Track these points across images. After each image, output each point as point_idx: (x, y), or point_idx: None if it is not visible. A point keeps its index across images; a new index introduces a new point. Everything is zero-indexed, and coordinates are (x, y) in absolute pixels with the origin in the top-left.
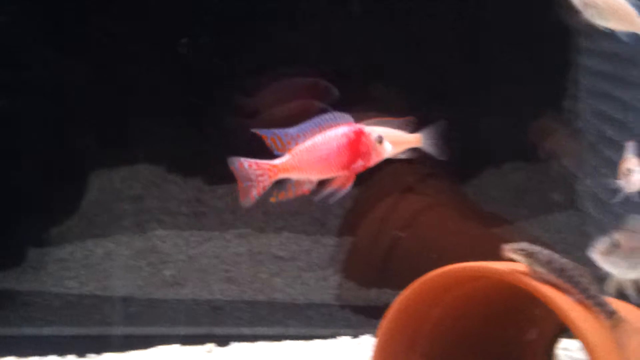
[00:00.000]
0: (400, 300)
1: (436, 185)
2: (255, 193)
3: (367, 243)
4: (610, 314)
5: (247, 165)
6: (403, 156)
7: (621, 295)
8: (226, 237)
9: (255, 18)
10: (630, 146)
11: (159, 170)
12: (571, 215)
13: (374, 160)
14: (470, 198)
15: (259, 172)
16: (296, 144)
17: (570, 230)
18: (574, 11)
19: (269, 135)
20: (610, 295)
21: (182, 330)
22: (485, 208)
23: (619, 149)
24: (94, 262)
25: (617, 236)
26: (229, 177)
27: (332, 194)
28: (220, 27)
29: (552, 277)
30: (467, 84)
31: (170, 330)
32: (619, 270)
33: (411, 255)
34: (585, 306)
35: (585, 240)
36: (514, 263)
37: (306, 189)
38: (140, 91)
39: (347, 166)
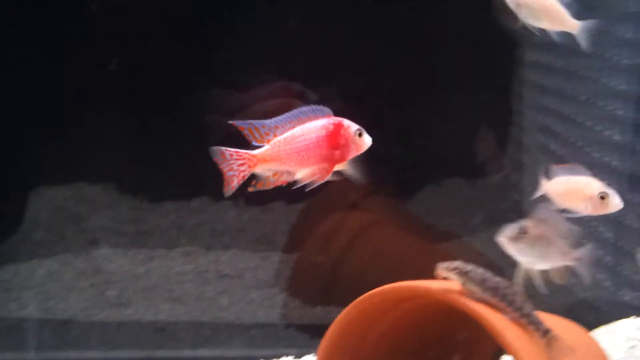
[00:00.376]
0: (339, 320)
1: (380, 202)
2: (235, 182)
3: (312, 260)
4: (545, 333)
5: (228, 154)
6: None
7: (530, 286)
8: (172, 255)
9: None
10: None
11: (102, 189)
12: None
13: (352, 153)
14: (414, 214)
15: (239, 161)
16: (274, 135)
17: None
18: (508, 12)
19: (245, 126)
20: (520, 285)
21: (125, 354)
22: (430, 223)
23: (561, 163)
24: (35, 283)
25: (526, 223)
26: (173, 195)
27: (309, 185)
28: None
29: (486, 296)
30: (408, 99)
31: (111, 354)
32: (526, 259)
33: (357, 272)
34: (520, 325)
35: None
36: (449, 282)
37: (285, 179)
38: (84, 108)
39: (325, 158)
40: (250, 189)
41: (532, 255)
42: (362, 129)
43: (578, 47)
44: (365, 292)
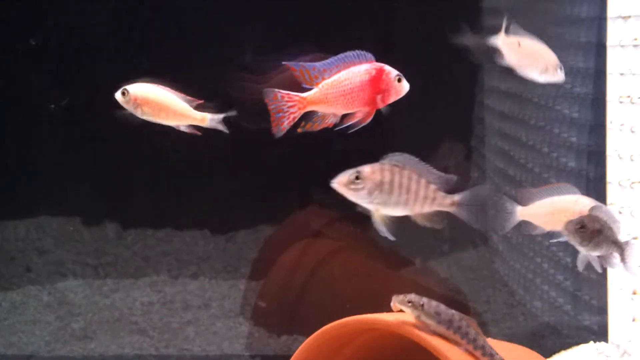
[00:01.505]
0: (299, 353)
1: (343, 229)
2: (286, 123)
3: (277, 289)
4: None
5: (280, 96)
6: None
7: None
8: (137, 285)
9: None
10: None
11: (66, 221)
12: (482, 253)
13: (392, 97)
14: (379, 241)
15: (290, 103)
16: (322, 78)
17: (481, 267)
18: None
19: (297, 67)
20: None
21: None
22: (393, 249)
23: (525, 171)
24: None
25: (361, 168)
26: (138, 225)
27: (352, 126)
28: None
29: (441, 328)
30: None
31: None
32: (366, 202)
33: (321, 301)
34: (474, 356)
35: (496, 276)
36: (405, 314)
37: (330, 122)
38: (45, 140)
39: (368, 102)
40: (299, 130)
41: (367, 199)
42: (401, 75)
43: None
44: (329, 321)
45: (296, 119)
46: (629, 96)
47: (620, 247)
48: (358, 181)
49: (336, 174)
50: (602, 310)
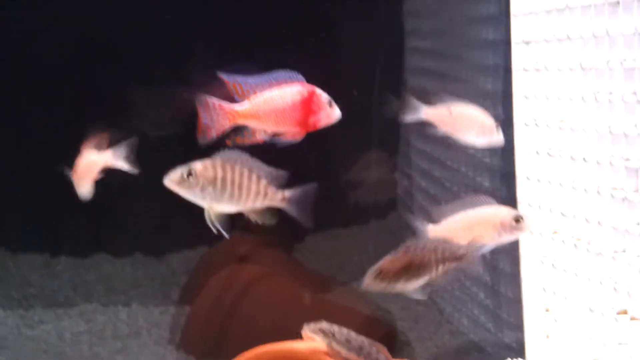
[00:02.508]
0: None
1: (269, 254)
2: (213, 133)
3: (205, 315)
4: None
5: (211, 104)
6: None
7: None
8: (69, 314)
9: None
10: None
11: None
12: None
13: (323, 121)
14: (304, 265)
15: (221, 113)
16: (254, 93)
17: None
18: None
19: (231, 80)
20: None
21: None
22: (318, 272)
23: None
24: None
25: (193, 164)
26: (67, 253)
27: (281, 142)
28: None
29: (352, 355)
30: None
31: None
32: (199, 199)
33: (247, 326)
34: None
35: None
36: (318, 342)
37: (260, 138)
38: None
39: (299, 122)
40: (228, 142)
41: (201, 196)
42: (332, 100)
43: None
44: (253, 346)
45: (225, 132)
46: (534, 119)
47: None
48: (190, 178)
49: None
50: (519, 327)
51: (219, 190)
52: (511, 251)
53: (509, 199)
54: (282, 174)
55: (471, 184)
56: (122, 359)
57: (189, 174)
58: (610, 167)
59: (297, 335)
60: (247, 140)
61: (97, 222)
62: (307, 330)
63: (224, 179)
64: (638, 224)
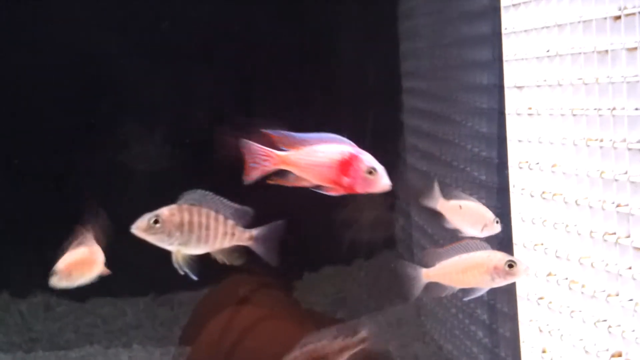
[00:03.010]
0: None
1: (269, 295)
2: (256, 174)
3: (204, 356)
4: None
5: (258, 149)
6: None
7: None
8: (70, 357)
9: None
10: None
11: None
12: (407, 308)
13: (361, 187)
14: (302, 305)
15: (264, 156)
16: (300, 147)
17: (408, 321)
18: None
19: (277, 133)
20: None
21: None
22: (317, 312)
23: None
24: None
25: (159, 211)
26: (65, 297)
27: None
28: None
29: None
30: None
31: None
32: (167, 245)
33: None
34: None
35: (422, 330)
36: None
37: (302, 184)
38: None
39: (335, 181)
40: (269, 182)
41: (168, 242)
42: (377, 169)
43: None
44: None
45: (267, 173)
46: (526, 162)
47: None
48: (157, 225)
49: None
50: None
51: (186, 234)
52: (508, 291)
53: (506, 240)
54: (247, 210)
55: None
56: None
57: (155, 221)
58: (602, 212)
59: None
60: (289, 183)
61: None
62: None
63: (190, 223)
64: (630, 268)
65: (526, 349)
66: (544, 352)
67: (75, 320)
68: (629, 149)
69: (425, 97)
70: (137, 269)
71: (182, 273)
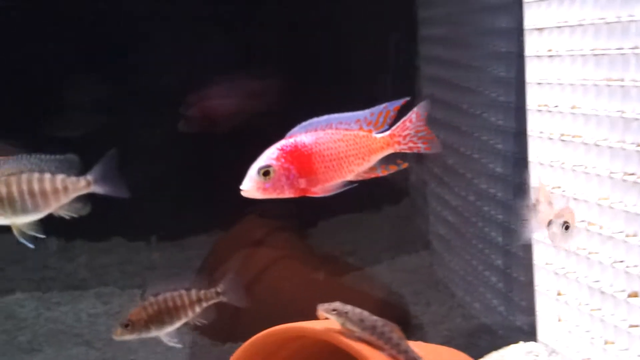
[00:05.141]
0: None
1: (285, 238)
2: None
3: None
4: None
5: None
6: None
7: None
8: (84, 296)
9: None
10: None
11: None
12: (422, 256)
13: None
14: (318, 248)
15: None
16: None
17: (421, 270)
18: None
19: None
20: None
21: None
22: (333, 256)
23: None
24: None
25: None
26: (82, 237)
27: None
28: None
29: (365, 334)
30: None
31: None
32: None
33: (263, 309)
34: None
35: (436, 279)
36: (332, 322)
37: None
38: None
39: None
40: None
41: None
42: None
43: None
44: (266, 328)
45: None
46: (545, 105)
47: None
48: None
49: None
50: (531, 311)
51: (9, 207)
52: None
53: (522, 184)
54: (73, 158)
55: (483, 170)
56: (138, 341)
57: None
58: (622, 152)
59: (310, 319)
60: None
61: (112, 207)
62: (321, 310)
63: (10, 195)
64: None
65: (541, 293)
66: (559, 294)
67: (91, 260)
68: None
69: (443, 43)
70: (152, 214)
71: (25, 243)
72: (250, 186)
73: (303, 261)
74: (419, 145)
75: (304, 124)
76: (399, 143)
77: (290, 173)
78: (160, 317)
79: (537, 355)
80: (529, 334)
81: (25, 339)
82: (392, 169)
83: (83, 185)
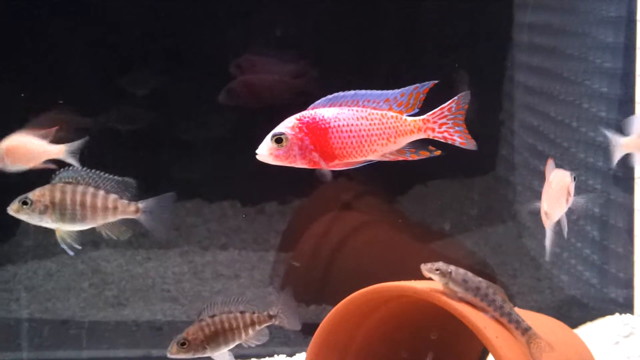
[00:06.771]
0: (328, 319)
1: (372, 202)
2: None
3: (306, 259)
4: (525, 330)
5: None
6: None
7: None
8: (169, 255)
9: None
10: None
11: None
12: (509, 227)
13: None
14: (406, 213)
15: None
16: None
17: (508, 241)
18: None
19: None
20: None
21: (122, 353)
22: (421, 222)
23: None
24: (35, 284)
25: (30, 193)
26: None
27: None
28: None
29: (468, 296)
30: None
31: (109, 353)
32: (43, 223)
33: (349, 272)
34: (500, 323)
35: (523, 251)
36: (433, 282)
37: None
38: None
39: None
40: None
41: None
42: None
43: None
44: (356, 291)
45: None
46: None
47: None
48: (25, 206)
49: None
50: (629, 283)
51: (59, 213)
52: (624, 206)
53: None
54: (130, 182)
55: (582, 139)
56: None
57: (24, 202)
58: None
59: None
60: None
61: (197, 169)
62: (424, 270)
63: (62, 201)
64: None
65: None
66: None
67: (177, 220)
68: None
69: (544, 9)
70: (239, 176)
71: (67, 250)
72: (264, 151)
73: (389, 226)
74: (455, 138)
75: (328, 96)
76: (432, 130)
77: (304, 144)
78: (216, 337)
79: (633, 328)
80: (625, 307)
81: (111, 293)
82: (423, 154)
83: (132, 210)
